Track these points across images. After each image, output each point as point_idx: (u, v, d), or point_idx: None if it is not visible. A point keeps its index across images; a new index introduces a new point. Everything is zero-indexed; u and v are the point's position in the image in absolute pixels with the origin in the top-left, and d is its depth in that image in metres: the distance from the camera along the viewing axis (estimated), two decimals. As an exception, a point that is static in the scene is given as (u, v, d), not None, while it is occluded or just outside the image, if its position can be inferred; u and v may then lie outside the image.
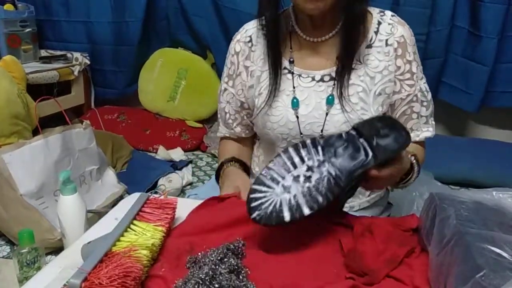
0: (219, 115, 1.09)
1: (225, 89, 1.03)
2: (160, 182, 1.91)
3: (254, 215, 0.68)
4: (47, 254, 1.40)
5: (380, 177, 0.72)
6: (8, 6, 2.28)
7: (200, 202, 0.84)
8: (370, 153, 0.70)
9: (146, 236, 0.68)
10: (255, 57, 0.98)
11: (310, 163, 0.70)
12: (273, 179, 0.70)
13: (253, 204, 0.68)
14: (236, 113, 1.04)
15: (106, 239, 0.65)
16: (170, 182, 1.92)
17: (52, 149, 1.51)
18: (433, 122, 0.98)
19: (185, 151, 2.36)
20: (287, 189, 0.69)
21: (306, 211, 0.67)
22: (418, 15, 1.97)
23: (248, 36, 0.99)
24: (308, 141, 0.72)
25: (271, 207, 0.67)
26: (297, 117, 0.92)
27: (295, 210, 0.67)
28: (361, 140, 0.72)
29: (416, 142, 0.97)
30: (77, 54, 2.41)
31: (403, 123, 0.95)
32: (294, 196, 0.68)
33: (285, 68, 0.94)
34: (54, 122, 1.94)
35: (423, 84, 0.94)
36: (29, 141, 1.46)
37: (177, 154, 2.29)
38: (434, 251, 0.61)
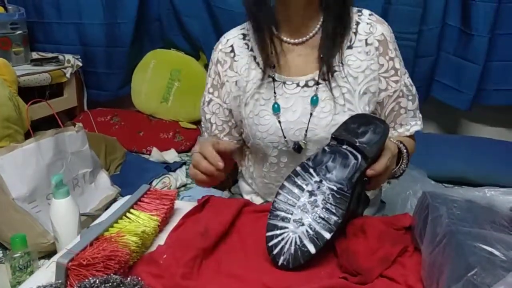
0: (203, 127, 1.04)
1: (211, 100, 1.00)
2: (154, 184, 1.91)
3: (280, 261, 0.66)
4: (40, 258, 1.39)
5: (378, 173, 0.73)
6: (-2, 9, 2.26)
7: (194, 204, 0.84)
8: (359, 155, 0.72)
9: (138, 223, 0.73)
10: (238, 67, 0.95)
11: (309, 188, 0.70)
12: (283, 219, 0.68)
13: (275, 251, 0.66)
14: (224, 123, 1.00)
15: (100, 225, 0.70)
16: (164, 184, 1.91)
17: (44, 152, 1.49)
18: (420, 115, 0.99)
19: (178, 152, 2.35)
20: (300, 221, 0.67)
21: (327, 235, 0.66)
22: (410, 14, 1.97)
23: (230, 46, 0.97)
24: (298, 168, 0.73)
25: (293, 247, 0.66)
26: (279, 122, 0.90)
27: (316, 239, 0.66)
28: (344, 146, 0.73)
29: (406, 137, 0.98)
30: (69, 56, 2.39)
31: (393, 119, 0.96)
32: (310, 226, 0.67)
33: (268, 75, 0.93)
34: (47, 125, 1.92)
35: (407, 79, 0.95)
36: (21, 145, 1.45)
37: (171, 155, 2.29)
38: (426, 250, 0.62)
